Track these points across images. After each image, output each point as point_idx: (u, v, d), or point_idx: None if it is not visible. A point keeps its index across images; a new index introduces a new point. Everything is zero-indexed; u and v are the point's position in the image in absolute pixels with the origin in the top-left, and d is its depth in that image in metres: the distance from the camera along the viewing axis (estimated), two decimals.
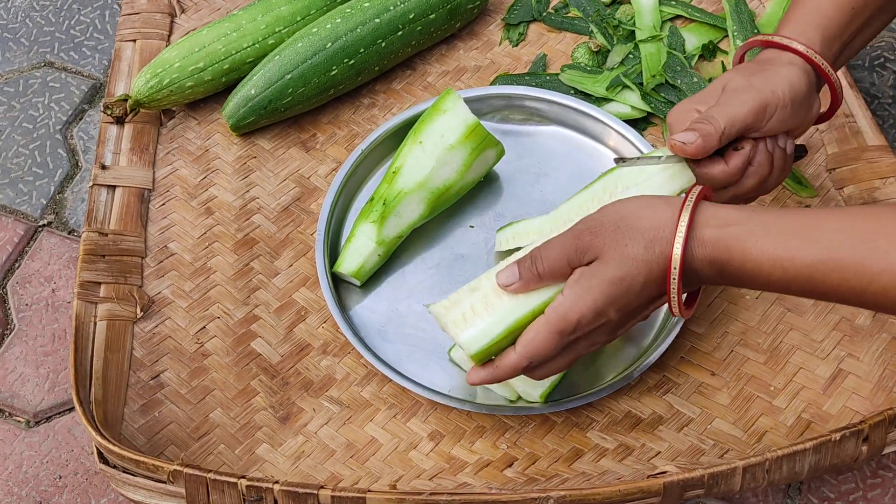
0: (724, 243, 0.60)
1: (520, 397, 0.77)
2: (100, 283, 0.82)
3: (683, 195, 0.64)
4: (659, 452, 0.75)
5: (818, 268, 0.58)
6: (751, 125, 0.70)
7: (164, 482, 0.68)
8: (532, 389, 0.75)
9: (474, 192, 0.89)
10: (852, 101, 0.91)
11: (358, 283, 0.84)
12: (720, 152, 0.71)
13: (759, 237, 0.59)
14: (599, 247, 0.62)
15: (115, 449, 0.68)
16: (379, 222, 0.82)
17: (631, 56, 0.97)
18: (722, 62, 0.97)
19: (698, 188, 0.63)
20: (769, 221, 0.60)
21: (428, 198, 0.84)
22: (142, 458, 0.67)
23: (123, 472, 0.70)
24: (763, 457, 0.67)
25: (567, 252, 0.63)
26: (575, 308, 0.62)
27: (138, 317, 0.82)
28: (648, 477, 0.67)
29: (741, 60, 0.79)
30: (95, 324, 0.80)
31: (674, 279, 0.61)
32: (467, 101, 0.90)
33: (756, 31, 0.97)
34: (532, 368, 0.65)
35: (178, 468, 0.67)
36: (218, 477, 0.66)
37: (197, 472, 0.66)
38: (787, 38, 0.73)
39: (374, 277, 0.85)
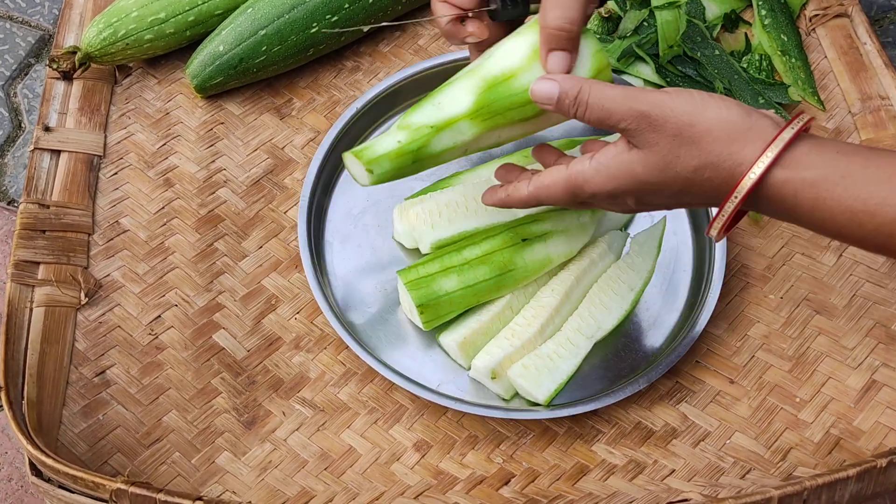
0: (791, 187, 0.57)
1: (514, 396, 0.72)
2: (38, 264, 0.76)
3: (777, 123, 0.58)
4: (673, 471, 0.70)
5: None
6: None
7: (106, 502, 0.61)
8: (536, 391, 0.70)
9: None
10: (888, 82, 0.85)
11: (366, 181, 0.67)
12: None
13: (835, 187, 0.56)
14: (650, 142, 0.59)
15: (50, 461, 0.61)
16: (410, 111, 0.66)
17: (645, 24, 0.90)
18: (745, 33, 0.90)
19: (798, 124, 0.57)
20: (852, 171, 0.55)
21: (479, 87, 0.65)
22: (80, 474, 0.61)
23: (59, 487, 0.63)
24: (801, 485, 0.61)
25: (617, 119, 0.60)
26: (593, 183, 0.62)
27: (82, 303, 0.76)
28: (668, 503, 0.60)
29: None
30: (32, 310, 0.74)
31: (723, 215, 0.59)
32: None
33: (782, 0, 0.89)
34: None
35: (123, 486, 0.60)
36: (169, 498, 0.59)
37: (144, 493, 0.59)
38: None
39: (361, 252, 0.78)
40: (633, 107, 0.59)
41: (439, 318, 0.72)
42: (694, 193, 0.59)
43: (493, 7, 0.65)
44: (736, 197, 0.57)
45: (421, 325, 0.72)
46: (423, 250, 0.75)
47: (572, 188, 0.62)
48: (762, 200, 0.58)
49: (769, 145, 0.56)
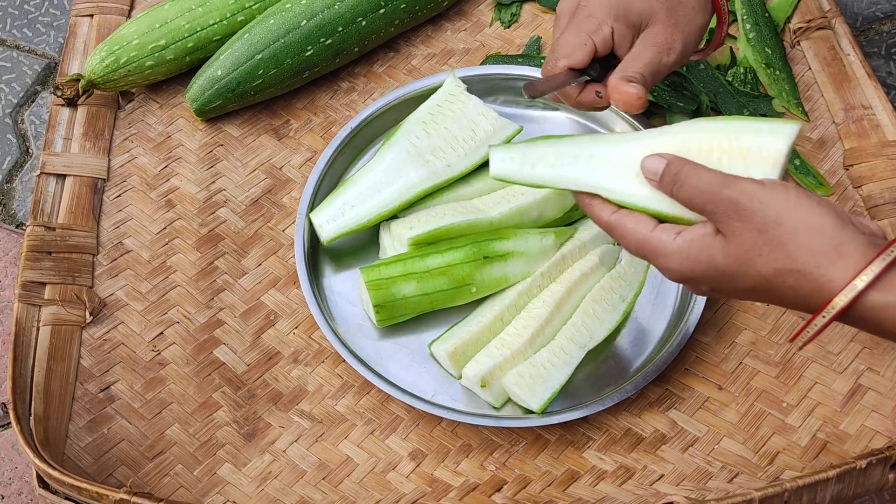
0: (890, 313, 0.53)
1: (505, 404, 0.73)
2: (44, 284, 0.77)
3: (874, 240, 0.54)
4: (662, 475, 0.71)
5: None
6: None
7: None
8: (530, 399, 0.70)
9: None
10: (871, 92, 0.86)
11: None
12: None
13: None
14: (734, 230, 0.56)
15: (56, 473, 0.62)
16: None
17: None
18: (731, 48, 0.91)
19: None
20: None
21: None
22: (84, 485, 0.62)
23: (66, 499, 0.64)
24: (781, 486, 0.61)
25: (704, 200, 0.57)
26: (670, 259, 0.59)
27: (87, 321, 0.77)
28: None
29: None
30: (38, 329, 0.75)
31: (809, 332, 0.55)
32: (471, 79, 0.85)
33: (766, 14, 0.91)
34: None
35: (125, 497, 0.61)
36: None
37: (147, 503, 0.59)
38: None
39: (359, 262, 0.79)
40: (722, 192, 0.56)
41: (393, 318, 0.74)
42: (773, 296, 0.56)
43: (592, 74, 0.68)
44: (825, 316, 0.54)
45: (374, 322, 0.74)
46: (402, 250, 0.76)
47: (646, 250, 0.60)
48: (856, 320, 0.54)
49: (864, 268, 0.52)
